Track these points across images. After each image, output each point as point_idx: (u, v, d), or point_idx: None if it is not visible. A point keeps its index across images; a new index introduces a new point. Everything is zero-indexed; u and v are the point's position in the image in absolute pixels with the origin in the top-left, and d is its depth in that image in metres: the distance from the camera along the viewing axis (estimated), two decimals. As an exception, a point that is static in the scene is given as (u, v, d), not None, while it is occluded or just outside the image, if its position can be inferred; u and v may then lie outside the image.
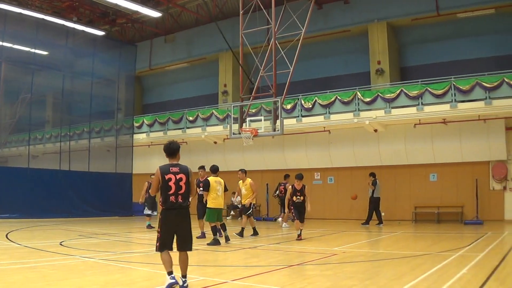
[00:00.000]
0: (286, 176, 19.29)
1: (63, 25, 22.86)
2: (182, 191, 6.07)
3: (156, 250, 6.09)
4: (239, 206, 23.24)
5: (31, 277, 6.97)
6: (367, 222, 18.04)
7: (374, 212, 18.05)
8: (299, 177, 12.82)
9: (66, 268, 7.95)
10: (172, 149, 6.24)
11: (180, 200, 6.05)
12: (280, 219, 18.87)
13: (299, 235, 12.58)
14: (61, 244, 11.30)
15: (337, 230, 16.43)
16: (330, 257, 9.33)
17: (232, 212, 23.27)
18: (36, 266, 8.10)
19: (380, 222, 17.98)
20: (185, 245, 6.12)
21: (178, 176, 6.08)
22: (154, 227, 14.57)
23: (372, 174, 18.38)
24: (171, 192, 6.01)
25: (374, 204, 18.06)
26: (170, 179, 6.04)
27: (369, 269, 7.99)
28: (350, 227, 17.46)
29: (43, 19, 21.99)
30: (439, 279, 6.68)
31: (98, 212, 22.70)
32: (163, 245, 6.04)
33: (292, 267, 8.16)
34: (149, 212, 16.56)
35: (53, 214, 20.64)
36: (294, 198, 12.62)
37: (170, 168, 6.12)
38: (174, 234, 6.07)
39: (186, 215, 6.15)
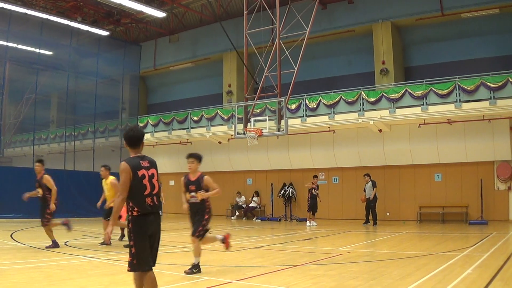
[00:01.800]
0: (315, 177, 19.33)
1: (68, 25, 22.89)
2: (156, 190, 4.78)
3: (130, 270, 4.66)
4: (244, 206, 23.31)
5: (35, 276, 6.99)
6: (374, 222, 18.16)
7: (370, 211, 18.40)
8: (195, 156, 7.62)
9: (70, 268, 7.98)
10: (135, 138, 4.86)
11: (156, 202, 4.76)
12: (310, 222, 18.42)
13: (194, 267, 7.33)
14: (65, 244, 11.38)
15: (341, 230, 16.43)
16: (335, 257, 9.33)
17: (237, 213, 23.28)
18: (40, 266, 8.13)
19: (367, 221, 18.42)
20: (155, 260, 4.80)
21: (150, 172, 4.76)
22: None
23: (367, 175, 18.77)
24: (147, 192, 4.68)
25: (374, 203, 18.35)
26: (143, 176, 4.69)
27: (374, 269, 7.98)
28: (355, 227, 17.44)
29: (47, 19, 22.04)
30: (444, 279, 6.67)
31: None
32: (143, 262, 4.62)
33: (297, 267, 8.14)
34: None
35: (58, 214, 20.27)
36: (188, 195, 7.62)
37: (141, 162, 4.76)
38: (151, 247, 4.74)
39: (160, 222, 4.88)
